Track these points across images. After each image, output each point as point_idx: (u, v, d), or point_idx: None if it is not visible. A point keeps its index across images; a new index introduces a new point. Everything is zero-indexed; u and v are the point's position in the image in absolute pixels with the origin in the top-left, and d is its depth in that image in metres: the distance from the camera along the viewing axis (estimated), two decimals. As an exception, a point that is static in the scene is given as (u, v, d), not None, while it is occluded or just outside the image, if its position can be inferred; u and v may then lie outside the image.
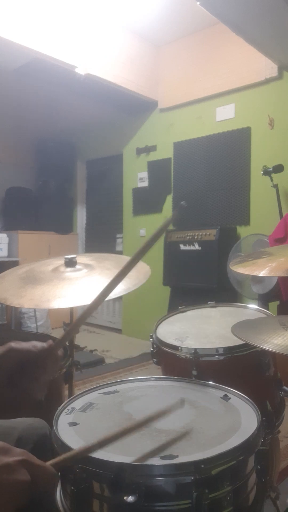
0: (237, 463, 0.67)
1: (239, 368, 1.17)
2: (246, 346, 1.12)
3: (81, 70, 3.71)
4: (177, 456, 0.67)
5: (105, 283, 0.80)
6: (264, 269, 1.11)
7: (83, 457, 0.65)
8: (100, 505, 0.66)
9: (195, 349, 1.15)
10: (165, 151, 4.53)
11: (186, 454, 0.68)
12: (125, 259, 1.40)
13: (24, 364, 0.76)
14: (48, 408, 0.90)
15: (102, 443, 0.65)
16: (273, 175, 3.36)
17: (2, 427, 0.89)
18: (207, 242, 3.77)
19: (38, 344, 0.77)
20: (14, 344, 0.76)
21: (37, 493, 0.58)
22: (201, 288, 3.75)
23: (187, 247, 3.92)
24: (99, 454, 0.66)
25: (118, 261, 1.36)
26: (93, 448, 0.64)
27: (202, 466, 0.62)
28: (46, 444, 0.85)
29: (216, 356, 1.15)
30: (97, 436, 0.74)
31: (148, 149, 4.70)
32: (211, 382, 0.97)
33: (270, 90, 3.69)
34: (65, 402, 0.87)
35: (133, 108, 4.71)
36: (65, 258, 1.28)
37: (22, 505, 0.57)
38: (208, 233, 3.78)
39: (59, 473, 0.69)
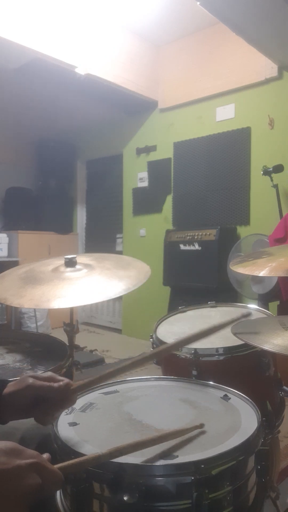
0: (237, 463, 0.67)
1: (239, 368, 1.17)
2: (246, 346, 1.12)
3: (81, 70, 3.71)
4: (177, 456, 0.67)
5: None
6: (264, 269, 1.11)
7: (91, 466, 0.64)
8: (100, 505, 0.66)
9: (195, 349, 1.15)
10: (165, 151, 4.53)
11: (186, 454, 0.68)
12: (125, 259, 1.40)
13: (40, 400, 0.76)
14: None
15: (113, 454, 0.64)
16: (273, 175, 3.36)
17: (4, 428, 0.89)
18: (207, 242, 3.77)
19: (56, 383, 0.77)
20: (32, 381, 0.76)
21: (43, 496, 0.57)
22: (201, 288, 3.75)
23: (187, 247, 3.91)
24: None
25: (118, 261, 1.36)
26: (103, 457, 0.63)
27: (202, 466, 0.62)
28: (49, 444, 0.86)
29: (216, 356, 1.15)
30: (98, 436, 0.74)
31: (148, 149, 4.70)
32: (211, 382, 0.97)
33: (270, 90, 3.69)
34: (65, 402, 0.87)
35: (133, 108, 4.71)
36: (65, 258, 1.28)
37: (29, 508, 0.56)
38: (208, 233, 3.78)
39: None
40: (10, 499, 0.54)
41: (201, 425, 0.76)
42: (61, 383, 0.77)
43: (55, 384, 0.77)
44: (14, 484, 0.54)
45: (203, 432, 0.75)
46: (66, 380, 0.78)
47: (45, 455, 0.61)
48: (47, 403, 0.76)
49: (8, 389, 0.77)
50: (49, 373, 0.80)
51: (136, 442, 0.68)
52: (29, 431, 0.90)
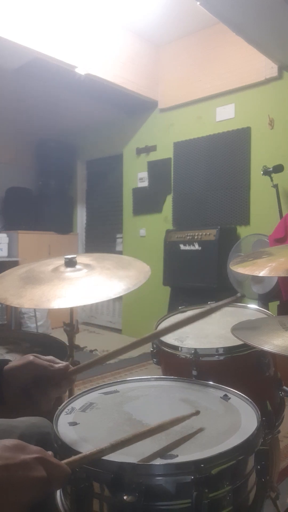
0: (237, 463, 0.67)
1: (239, 368, 1.17)
2: (246, 346, 1.12)
3: (81, 70, 3.71)
4: (177, 456, 0.67)
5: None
6: (264, 269, 1.11)
7: (96, 459, 0.65)
8: (100, 505, 0.66)
9: (195, 349, 1.15)
10: (165, 151, 4.54)
11: (186, 454, 0.68)
12: (125, 259, 1.40)
13: (39, 379, 0.79)
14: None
15: (115, 447, 0.65)
16: (273, 175, 3.36)
17: (3, 426, 0.89)
18: (207, 242, 3.77)
19: (56, 364, 0.81)
20: (33, 358, 0.80)
21: (49, 491, 0.59)
22: (201, 288, 3.75)
23: (187, 247, 3.92)
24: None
25: (118, 261, 1.36)
26: (106, 451, 0.65)
27: (202, 465, 0.62)
28: (49, 443, 0.86)
29: (216, 356, 1.15)
30: (97, 436, 0.74)
31: (148, 149, 4.71)
32: (211, 382, 0.97)
33: (270, 90, 3.69)
34: (65, 402, 0.87)
35: (133, 108, 4.71)
36: (65, 258, 1.28)
37: (37, 502, 0.57)
38: (208, 233, 3.79)
39: None
40: (18, 492, 0.55)
41: (197, 412, 0.78)
42: (60, 365, 0.81)
43: (55, 365, 0.81)
44: (21, 477, 0.56)
45: (203, 432, 0.75)
46: (65, 363, 0.82)
47: (49, 453, 0.63)
48: (46, 382, 0.79)
49: (10, 364, 0.81)
50: (50, 356, 0.83)
51: (136, 434, 0.68)
52: (28, 429, 0.90)
